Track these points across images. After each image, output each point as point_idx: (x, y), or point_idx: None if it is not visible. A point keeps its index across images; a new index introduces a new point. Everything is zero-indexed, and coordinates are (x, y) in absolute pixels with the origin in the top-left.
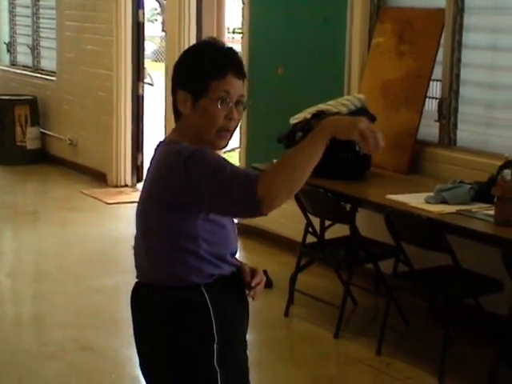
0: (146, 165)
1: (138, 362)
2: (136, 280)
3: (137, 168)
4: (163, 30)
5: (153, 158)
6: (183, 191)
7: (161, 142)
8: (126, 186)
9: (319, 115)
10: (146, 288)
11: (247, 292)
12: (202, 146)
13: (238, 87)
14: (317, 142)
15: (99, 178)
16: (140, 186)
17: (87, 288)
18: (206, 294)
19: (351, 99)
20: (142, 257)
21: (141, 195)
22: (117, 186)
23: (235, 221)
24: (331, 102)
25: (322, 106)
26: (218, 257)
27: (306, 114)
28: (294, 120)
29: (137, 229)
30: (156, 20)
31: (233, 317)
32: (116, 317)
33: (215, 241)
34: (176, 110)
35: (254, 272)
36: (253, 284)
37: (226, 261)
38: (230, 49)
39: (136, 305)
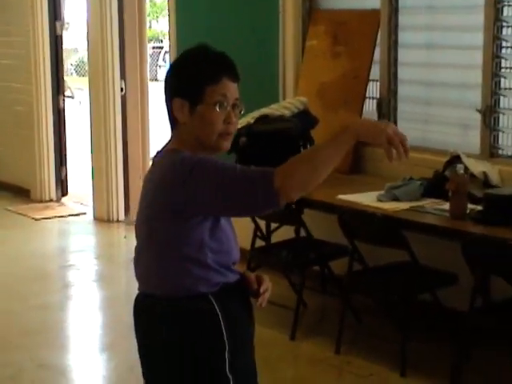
0: (71, 178)
1: (100, 376)
2: (138, 291)
3: (61, 182)
4: None
5: (153, 167)
6: (191, 199)
7: (159, 152)
8: (51, 200)
9: (262, 119)
10: (152, 299)
11: (256, 300)
12: (205, 150)
13: (234, 90)
14: (341, 142)
15: (22, 194)
16: (65, 199)
17: (32, 306)
18: (214, 302)
19: (294, 102)
20: (146, 267)
21: (141, 205)
22: (41, 201)
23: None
24: (274, 106)
25: (264, 110)
26: (223, 265)
27: (250, 118)
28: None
29: (138, 240)
30: None
31: (241, 323)
32: (66, 333)
33: (220, 249)
34: (172, 118)
35: (259, 279)
36: (261, 291)
37: (230, 269)
38: (223, 53)
39: (142, 317)
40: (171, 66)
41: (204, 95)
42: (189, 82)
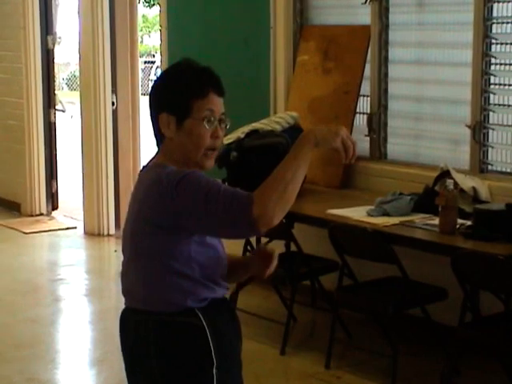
0: (61, 192)
1: None
2: (125, 306)
3: (52, 196)
4: None
5: (139, 182)
6: (176, 215)
7: (145, 167)
8: (42, 214)
9: (253, 134)
10: (139, 314)
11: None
12: (189, 167)
13: (220, 105)
14: (302, 153)
15: (12, 208)
16: (56, 213)
17: (22, 319)
18: (201, 317)
19: (284, 117)
20: (133, 282)
21: (127, 220)
22: (32, 215)
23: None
24: (264, 121)
25: (255, 125)
26: (212, 280)
27: (240, 133)
28: (227, 140)
29: (125, 254)
30: None
31: (229, 338)
32: (56, 347)
33: (208, 264)
34: (157, 133)
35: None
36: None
37: (218, 283)
38: (208, 67)
39: (128, 332)
40: (157, 80)
41: (191, 110)
42: (176, 96)
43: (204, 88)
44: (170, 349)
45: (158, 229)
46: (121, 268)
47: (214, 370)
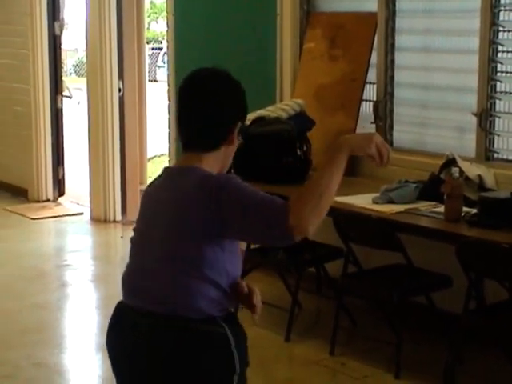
0: (68, 178)
1: (95, 376)
2: (128, 303)
3: (58, 182)
4: None
5: (172, 183)
6: (216, 221)
7: (174, 168)
8: (48, 200)
9: (259, 121)
10: (153, 317)
11: (250, 311)
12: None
13: None
14: (337, 162)
15: (20, 193)
16: (62, 199)
17: (29, 305)
18: (225, 326)
19: (290, 104)
20: (157, 284)
21: (160, 221)
22: (39, 201)
23: None
24: (270, 108)
25: (261, 112)
26: (232, 288)
27: (246, 120)
28: None
29: (153, 254)
30: None
31: (245, 346)
32: (62, 332)
33: (234, 273)
34: (211, 138)
35: (250, 288)
36: (254, 302)
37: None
38: None
39: (137, 337)
40: (225, 87)
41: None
42: (244, 110)
43: None
44: (190, 356)
45: (195, 234)
46: (132, 261)
47: (235, 377)
